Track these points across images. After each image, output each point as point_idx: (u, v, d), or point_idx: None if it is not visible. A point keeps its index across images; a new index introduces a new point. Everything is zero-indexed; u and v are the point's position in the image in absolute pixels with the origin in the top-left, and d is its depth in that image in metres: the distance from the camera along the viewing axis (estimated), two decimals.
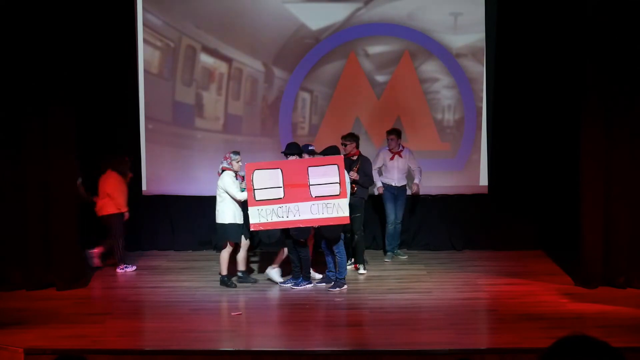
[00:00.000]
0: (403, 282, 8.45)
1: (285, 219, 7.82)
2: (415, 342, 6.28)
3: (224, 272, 8.15)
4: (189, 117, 9.98)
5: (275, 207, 7.79)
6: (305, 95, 9.98)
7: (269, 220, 7.80)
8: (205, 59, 9.90)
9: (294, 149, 8.28)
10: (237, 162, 8.10)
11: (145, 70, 9.85)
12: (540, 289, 7.94)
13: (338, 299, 7.71)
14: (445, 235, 9.91)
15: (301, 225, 7.89)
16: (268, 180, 7.80)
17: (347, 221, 7.96)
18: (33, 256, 8.09)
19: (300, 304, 7.61)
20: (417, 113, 9.91)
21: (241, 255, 8.27)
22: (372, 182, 8.87)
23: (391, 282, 8.38)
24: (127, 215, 8.94)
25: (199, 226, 9.69)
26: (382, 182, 9.24)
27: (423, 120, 9.86)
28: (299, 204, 7.80)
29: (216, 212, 8.17)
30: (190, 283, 8.54)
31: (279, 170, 7.84)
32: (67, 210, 8.11)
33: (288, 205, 7.80)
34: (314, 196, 7.81)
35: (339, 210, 7.83)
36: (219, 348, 6.30)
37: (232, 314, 7.18)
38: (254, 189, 7.76)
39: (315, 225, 7.94)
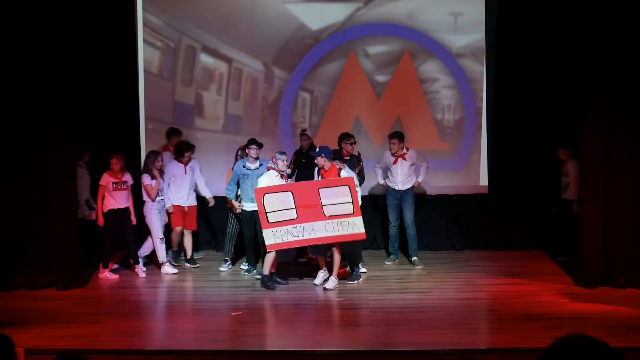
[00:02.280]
0: (403, 282, 8.46)
1: (300, 237, 7.86)
2: (415, 342, 6.29)
3: (266, 272, 8.08)
4: (189, 117, 9.98)
5: (289, 227, 7.82)
6: (305, 95, 9.98)
7: (285, 240, 7.83)
8: (205, 59, 9.90)
9: (250, 142, 8.46)
10: (283, 161, 8.11)
11: (145, 70, 9.85)
12: (540, 289, 7.94)
13: (338, 299, 7.72)
14: (445, 235, 9.91)
15: (317, 243, 7.94)
16: (279, 203, 7.81)
17: (364, 237, 8.05)
18: (33, 256, 8.09)
19: (300, 304, 7.62)
20: (417, 113, 9.91)
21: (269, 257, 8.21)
22: (363, 181, 8.88)
23: (391, 282, 8.39)
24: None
25: (199, 226, 9.68)
26: (388, 185, 9.08)
27: (423, 120, 9.85)
28: (314, 223, 7.84)
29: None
30: (190, 283, 8.55)
31: (290, 192, 7.87)
32: (67, 210, 8.11)
33: (302, 225, 7.83)
34: (327, 215, 7.85)
35: (354, 227, 7.88)
36: (219, 348, 6.30)
37: (232, 314, 7.19)
38: (266, 212, 7.78)
39: (332, 242, 7.97)
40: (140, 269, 8.74)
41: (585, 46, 7.91)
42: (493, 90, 9.77)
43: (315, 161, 8.19)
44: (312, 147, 9.15)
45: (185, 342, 6.42)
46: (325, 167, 8.11)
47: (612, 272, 7.96)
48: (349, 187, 7.87)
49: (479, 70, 9.85)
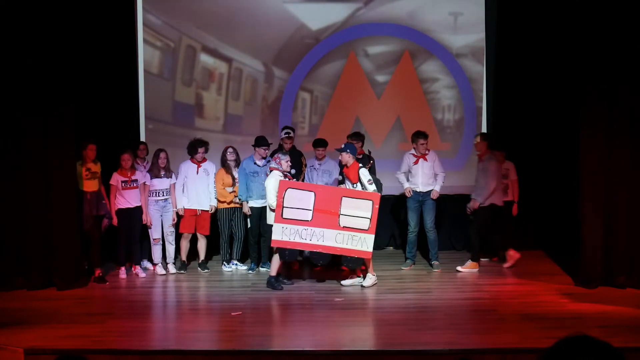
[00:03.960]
0: (403, 282, 8.45)
1: (307, 241, 7.86)
2: (415, 342, 6.28)
3: (273, 273, 8.09)
4: (189, 117, 9.98)
5: (300, 228, 7.82)
6: (305, 95, 9.98)
7: (291, 240, 7.83)
8: (205, 59, 9.90)
9: (261, 142, 8.55)
10: (287, 162, 8.10)
11: (145, 70, 9.85)
12: (540, 289, 7.94)
13: (338, 299, 7.72)
14: (445, 235, 9.90)
15: (322, 251, 7.95)
16: (299, 201, 7.82)
17: (369, 256, 8.00)
18: (33, 256, 8.09)
19: (300, 304, 7.61)
20: (417, 113, 9.91)
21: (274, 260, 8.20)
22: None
23: (391, 282, 8.38)
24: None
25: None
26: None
27: (423, 120, 9.85)
28: (325, 230, 7.84)
29: (267, 213, 8.23)
30: (190, 283, 8.55)
31: (313, 193, 7.87)
32: (67, 210, 8.10)
33: (314, 229, 7.83)
34: (341, 226, 7.85)
35: (364, 244, 7.87)
36: (219, 348, 6.30)
37: (232, 314, 7.18)
38: (283, 207, 7.79)
39: (336, 253, 8.03)
40: (140, 270, 8.73)
41: (585, 46, 7.91)
42: (493, 90, 9.78)
43: (340, 157, 8.19)
44: (293, 148, 9.07)
45: (185, 342, 6.41)
46: (348, 164, 8.10)
47: (612, 272, 7.96)
48: (372, 202, 7.85)
49: (479, 70, 9.86)
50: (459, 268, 8.81)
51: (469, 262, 8.82)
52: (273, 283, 8.05)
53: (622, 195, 7.87)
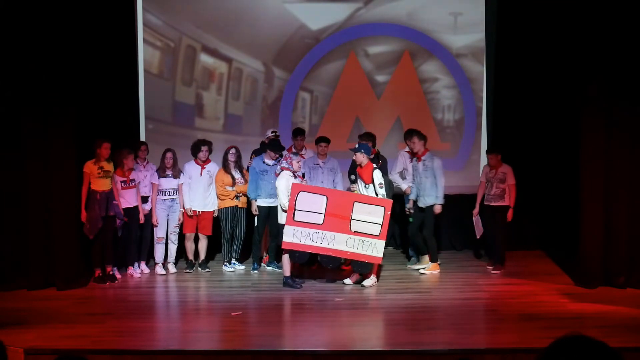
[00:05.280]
0: (403, 282, 8.46)
1: (318, 244, 7.92)
2: (415, 342, 6.28)
3: (287, 273, 8.12)
4: (189, 117, 9.98)
5: (311, 231, 7.88)
6: (305, 95, 9.98)
7: (302, 242, 7.90)
8: (205, 59, 9.90)
9: (275, 147, 8.54)
10: (297, 162, 8.14)
11: (145, 70, 9.85)
12: (540, 289, 7.95)
13: (338, 299, 7.72)
14: (445, 235, 9.91)
15: (332, 254, 7.98)
16: (311, 205, 7.88)
17: (379, 261, 8.08)
18: (34, 256, 8.09)
19: (300, 304, 7.62)
20: (417, 113, 9.91)
21: (285, 259, 8.20)
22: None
23: (391, 282, 8.39)
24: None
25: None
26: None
27: (423, 120, 9.85)
28: (336, 234, 7.90)
29: (278, 213, 8.26)
30: (190, 283, 8.55)
31: (325, 197, 7.93)
32: (68, 210, 8.11)
33: (325, 232, 7.89)
34: (352, 231, 7.91)
35: (374, 250, 7.93)
36: (219, 348, 6.30)
37: (232, 314, 7.19)
38: (295, 209, 7.84)
39: (347, 257, 8.08)
40: (135, 271, 8.73)
41: (585, 46, 7.91)
42: (493, 90, 9.78)
43: (354, 157, 8.19)
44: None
45: (186, 342, 6.42)
46: (362, 164, 8.12)
47: (612, 272, 7.96)
48: (384, 209, 7.90)
49: (479, 70, 9.86)
50: (421, 271, 8.72)
51: (431, 265, 8.74)
52: (290, 283, 8.08)
53: (622, 196, 7.88)
